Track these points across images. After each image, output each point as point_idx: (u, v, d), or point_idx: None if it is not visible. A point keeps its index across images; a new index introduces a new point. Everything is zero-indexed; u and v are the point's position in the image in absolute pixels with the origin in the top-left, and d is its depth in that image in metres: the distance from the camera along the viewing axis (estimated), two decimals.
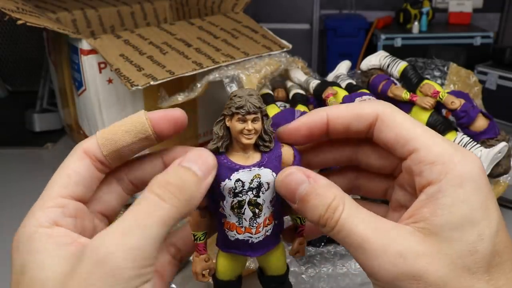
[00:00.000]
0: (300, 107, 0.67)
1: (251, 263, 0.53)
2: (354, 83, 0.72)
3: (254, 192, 0.29)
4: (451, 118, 0.66)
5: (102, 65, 0.74)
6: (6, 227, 0.71)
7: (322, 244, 0.59)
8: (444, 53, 1.13)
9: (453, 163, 0.25)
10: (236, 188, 0.29)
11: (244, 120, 0.28)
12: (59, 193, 0.26)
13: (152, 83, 0.67)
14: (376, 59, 0.72)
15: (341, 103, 0.63)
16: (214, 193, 0.30)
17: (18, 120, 1.01)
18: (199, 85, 0.68)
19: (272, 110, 0.66)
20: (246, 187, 0.29)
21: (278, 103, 0.71)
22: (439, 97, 0.63)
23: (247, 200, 0.29)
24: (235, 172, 0.29)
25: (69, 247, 0.24)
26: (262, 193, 0.29)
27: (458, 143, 0.61)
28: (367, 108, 0.28)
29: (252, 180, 0.29)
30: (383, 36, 1.32)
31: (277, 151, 0.30)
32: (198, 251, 0.32)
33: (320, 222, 0.26)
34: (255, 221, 0.30)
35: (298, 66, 0.78)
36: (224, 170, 0.29)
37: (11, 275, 0.24)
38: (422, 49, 1.24)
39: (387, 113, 0.27)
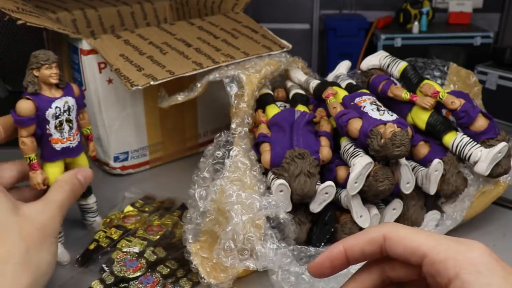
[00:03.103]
0: (300, 107, 0.67)
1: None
2: (354, 83, 0.72)
3: (67, 113, 0.50)
4: (451, 118, 0.66)
5: (102, 65, 0.74)
6: None
7: (322, 244, 0.59)
8: (444, 53, 1.13)
9: (462, 254, 0.27)
10: (56, 112, 0.49)
11: (51, 68, 0.48)
12: None
13: (152, 83, 0.67)
14: (376, 59, 0.72)
15: (341, 103, 0.63)
16: (40, 121, 0.49)
17: None
18: (199, 85, 0.68)
19: (272, 110, 0.66)
20: (62, 110, 0.49)
21: (278, 103, 0.71)
22: (439, 97, 0.63)
23: (64, 119, 0.50)
24: (53, 102, 0.49)
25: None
26: (71, 112, 0.51)
27: (458, 143, 0.61)
28: (373, 233, 0.31)
29: (64, 104, 0.50)
30: (383, 36, 1.32)
31: (69, 86, 0.52)
32: (34, 169, 0.50)
33: None
34: (71, 132, 0.52)
35: (298, 66, 0.78)
36: (45, 102, 0.49)
37: None
38: (422, 49, 1.24)
39: (391, 231, 0.31)
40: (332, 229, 0.59)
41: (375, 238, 0.31)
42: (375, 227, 0.32)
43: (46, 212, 0.44)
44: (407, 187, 0.59)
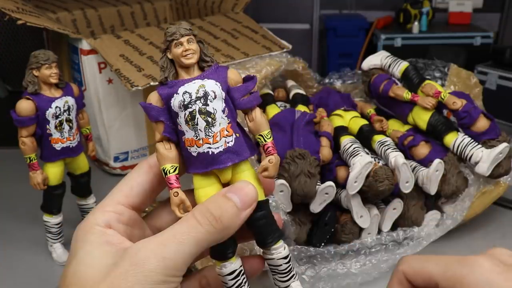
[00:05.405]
0: (300, 107, 0.67)
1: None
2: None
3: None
4: (452, 118, 0.66)
5: (102, 65, 0.74)
6: (6, 226, 0.71)
7: (322, 244, 0.59)
8: (444, 53, 1.13)
9: (466, 276, 0.26)
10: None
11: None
12: (119, 201, 0.31)
13: (152, 83, 0.67)
14: (377, 59, 0.72)
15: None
16: (41, 121, 0.39)
17: None
18: None
19: (272, 110, 0.66)
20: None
21: (278, 103, 0.71)
22: (441, 97, 0.63)
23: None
24: (53, 102, 0.41)
25: (114, 246, 0.28)
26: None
27: (460, 143, 0.61)
28: (396, 274, 0.31)
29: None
30: (383, 36, 1.32)
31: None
32: (34, 169, 0.41)
33: None
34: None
35: (299, 67, 0.78)
36: (45, 102, 0.40)
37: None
38: (422, 49, 1.24)
39: (405, 266, 0.30)
40: (332, 230, 0.59)
41: (400, 278, 0.31)
42: (396, 267, 0.32)
43: (158, 253, 0.27)
44: (406, 186, 0.58)
